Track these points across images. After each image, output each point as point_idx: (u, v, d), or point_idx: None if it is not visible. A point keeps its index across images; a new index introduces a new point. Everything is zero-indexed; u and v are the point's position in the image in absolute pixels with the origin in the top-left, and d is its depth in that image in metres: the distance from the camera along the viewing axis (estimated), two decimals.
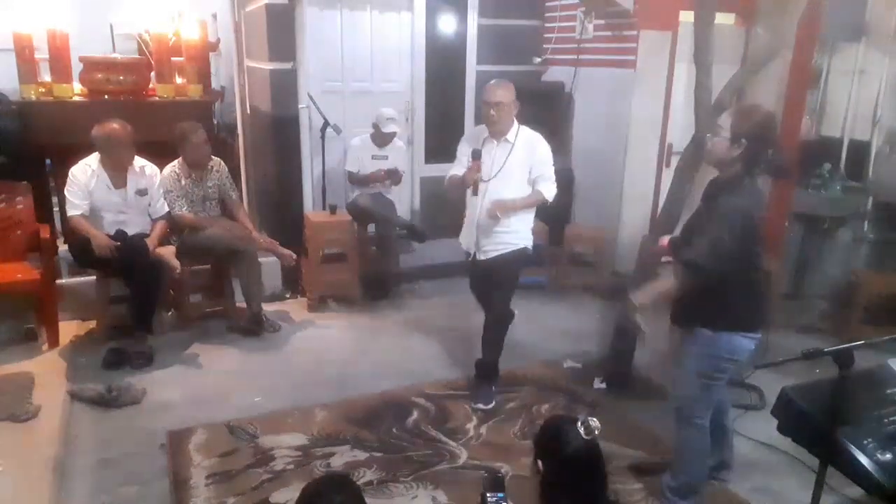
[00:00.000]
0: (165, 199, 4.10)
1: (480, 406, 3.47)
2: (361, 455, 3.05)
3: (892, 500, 2.24)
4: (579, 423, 1.80)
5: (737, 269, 2.32)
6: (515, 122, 3.34)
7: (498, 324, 3.57)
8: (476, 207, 3.40)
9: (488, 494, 2.03)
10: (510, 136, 3.32)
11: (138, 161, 3.98)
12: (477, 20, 5.74)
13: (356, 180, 5.00)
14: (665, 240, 2.73)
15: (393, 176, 5.00)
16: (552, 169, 3.41)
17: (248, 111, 5.63)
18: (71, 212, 3.83)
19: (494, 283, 3.52)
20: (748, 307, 2.42)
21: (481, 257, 3.46)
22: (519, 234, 3.42)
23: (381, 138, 4.94)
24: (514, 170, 3.32)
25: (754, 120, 2.32)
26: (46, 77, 4.58)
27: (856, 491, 2.55)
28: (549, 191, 3.41)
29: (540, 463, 1.88)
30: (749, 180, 2.37)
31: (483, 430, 3.29)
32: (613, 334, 3.75)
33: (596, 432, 1.79)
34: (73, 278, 4.36)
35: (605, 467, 1.86)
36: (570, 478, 1.82)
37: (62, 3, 4.46)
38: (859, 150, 4.80)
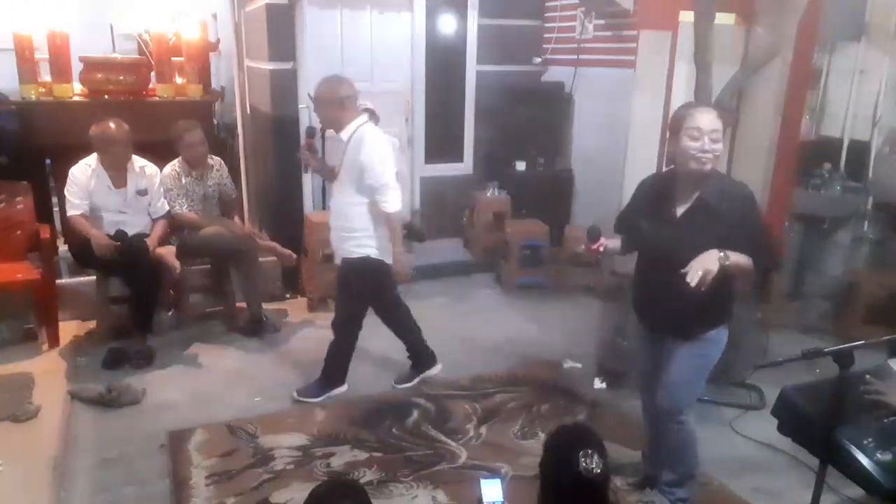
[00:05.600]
0: (165, 197, 4.10)
1: (303, 398, 3.49)
2: (361, 455, 3.05)
3: (892, 500, 2.24)
4: (580, 455, 1.71)
5: None
6: (358, 120, 3.23)
7: (334, 333, 3.51)
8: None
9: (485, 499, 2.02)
10: (344, 134, 3.22)
11: (138, 161, 3.98)
12: (477, 20, 5.73)
13: None
14: (610, 241, 2.60)
15: None
16: (384, 174, 3.16)
17: (248, 111, 5.63)
18: (71, 211, 3.83)
19: (338, 293, 3.52)
20: (733, 298, 2.45)
21: (337, 260, 3.44)
22: (358, 240, 3.29)
23: None
24: (344, 172, 3.25)
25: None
26: (46, 77, 4.58)
27: (856, 491, 2.55)
28: (388, 202, 3.18)
29: (541, 471, 1.83)
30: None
31: (483, 430, 3.29)
32: (613, 334, 3.75)
33: (596, 471, 1.70)
34: (73, 278, 4.36)
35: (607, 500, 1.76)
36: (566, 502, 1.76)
37: (62, 3, 4.46)
38: (859, 150, 4.79)
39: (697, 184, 2.33)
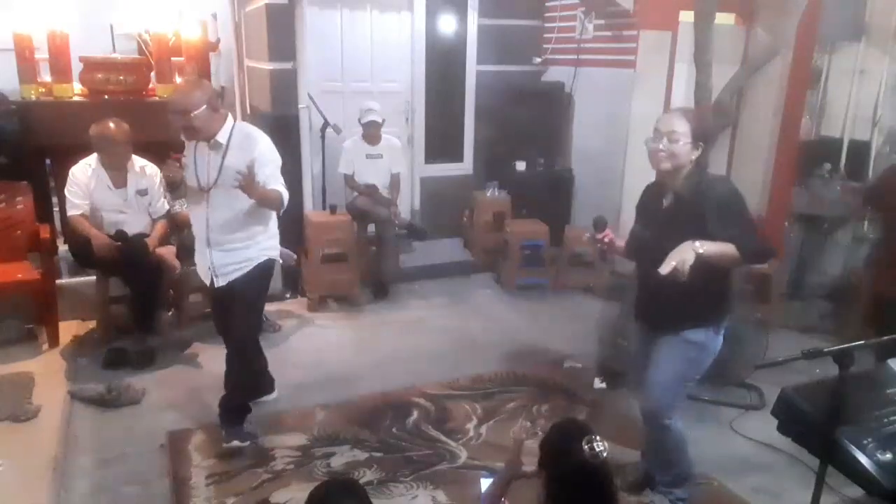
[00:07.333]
0: (165, 197, 4.10)
1: (235, 443, 3.00)
2: (361, 455, 3.05)
3: (892, 500, 2.24)
4: (584, 442, 1.69)
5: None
6: (230, 120, 2.94)
7: (238, 355, 3.05)
8: (203, 220, 2.96)
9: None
10: (221, 136, 2.89)
11: (139, 161, 3.97)
12: (477, 20, 5.74)
13: (350, 185, 5.01)
14: (617, 239, 2.58)
15: (373, 192, 4.95)
16: (278, 169, 2.99)
17: (248, 111, 5.64)
18: (71, 211, 3.82)
19: (237, 307, 3.01)
20: (728, 302, 2.47)
21: (221, 283, 2.99)
22: (261, 244, 3.03)
23: (370, 135, 4.93)
24: (233, 174, 2.78)
25: (708, 122, 2.38)
26: (46, 77, 4.58)
27: (856, 491, 2.55)
28: (285, 193, 2.97)
29: (542, 471, 1.82)
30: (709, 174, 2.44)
31: (483, 430, 3.29)
32: (613, 334, 3.75)
33: (603, 455, 1.69)
34: (73, 278, 4.36)
35: (614, 489, 1.75)
36: (571, 496, 1.75)
37: (62, 3, 4.45)
38: (859, 150, 4.80)
39: (674, 182, 2.40)
